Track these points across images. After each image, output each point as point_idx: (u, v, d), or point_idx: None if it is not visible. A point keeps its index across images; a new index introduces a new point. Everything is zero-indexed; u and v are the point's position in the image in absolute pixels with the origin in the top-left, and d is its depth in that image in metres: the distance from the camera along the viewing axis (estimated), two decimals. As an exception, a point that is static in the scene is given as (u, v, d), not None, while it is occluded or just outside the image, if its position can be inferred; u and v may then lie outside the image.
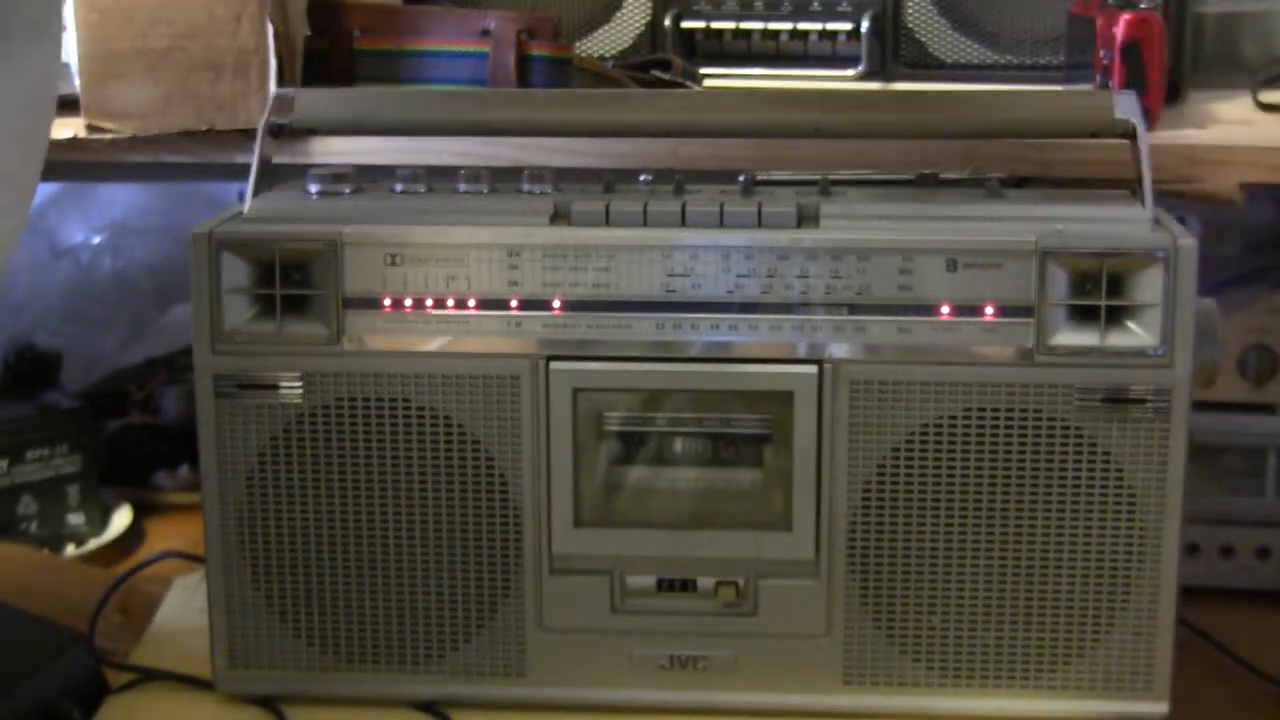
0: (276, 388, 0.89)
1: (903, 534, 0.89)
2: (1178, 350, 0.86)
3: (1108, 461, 0.87)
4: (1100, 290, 0.86)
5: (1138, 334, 0.86)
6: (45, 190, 1.56)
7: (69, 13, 1.14)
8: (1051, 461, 0.87)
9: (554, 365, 0.88)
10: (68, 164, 1.13)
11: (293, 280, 0.89)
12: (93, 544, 1.25)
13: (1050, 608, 0.89)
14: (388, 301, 0.89)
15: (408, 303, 0.89)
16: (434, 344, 0.89)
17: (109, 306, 1.59)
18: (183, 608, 1.05)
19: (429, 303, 0.89)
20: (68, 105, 1.18)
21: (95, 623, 1.00)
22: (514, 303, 0.88)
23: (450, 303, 0.88)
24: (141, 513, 1.30)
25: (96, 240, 1.60)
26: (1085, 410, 0.87)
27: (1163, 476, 0.88)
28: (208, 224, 0.89)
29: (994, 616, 0.89)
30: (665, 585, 0.91)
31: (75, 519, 1.26)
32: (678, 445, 0.90)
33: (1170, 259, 0.85)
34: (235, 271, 0.89)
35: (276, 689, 0.93)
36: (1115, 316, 0.87)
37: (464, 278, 0.88)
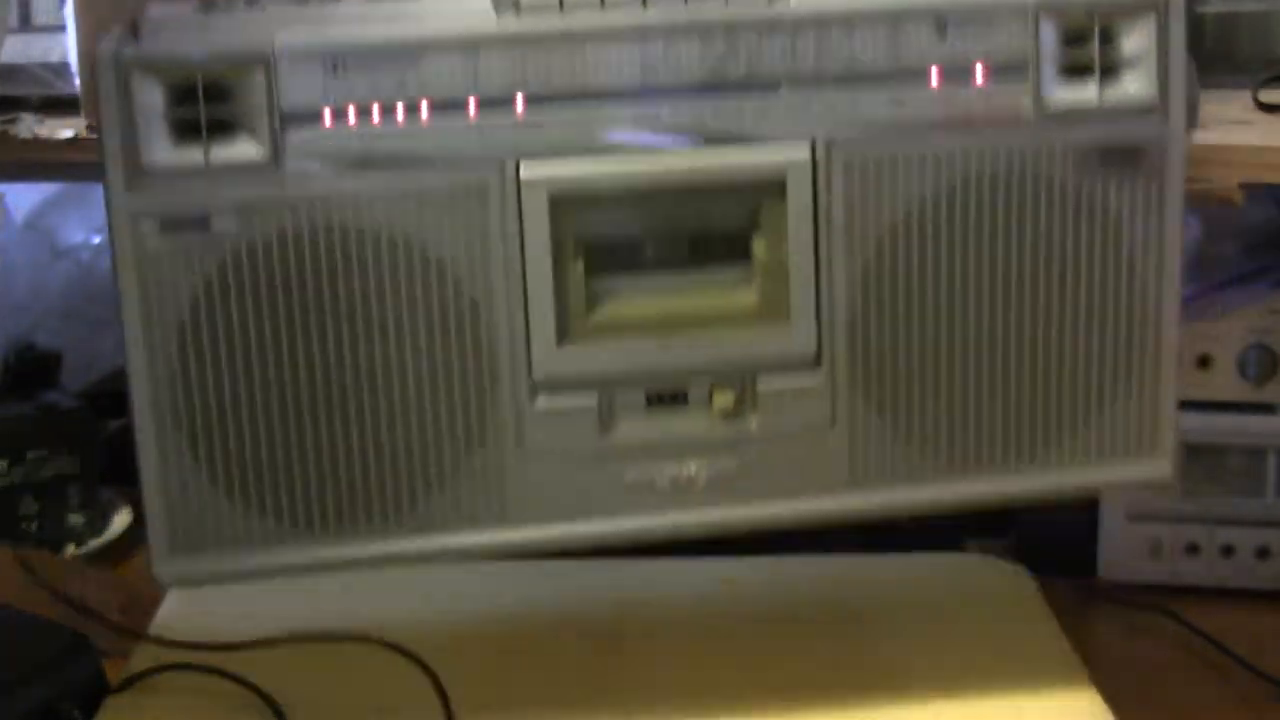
0: (208, 224, 0.79)
1: (904, 315, 0.85)
2: (1172, 102, 0.84)
3: (1106, 222, 0.85)
4: (1093, 43, 0.83)
5: (1131, 87, 0.84)
6: (45, 190, 1.56)
7: (69, 13, 1.14)
8: (1051, 226, 0.85)
9: (525, 170, 0.80)
10: (68, 164, 1.13)
11: (217, 100, 0.79)
12: (93, 544, 1.25)
13: (1055, 378, 0.86)
14: (330, 115, 0.79)
15: (352, 115, 0.79)
16: (386, 158, 0.80)
17: (109, 306, 1.59)
18: (183, 607, 1.05)
19: (376, 113, 0.79)
20: (68, 105, 1.18)
21: (94, 623, 1.00)
22: (472, 104, 0.80)
23: (401, 111, 0.80)
24: (141, 513, 1.30)
25: (96, 240, 1.60)
26: (1083, 169, 0.84)
27: (1160, 235, 0.86)
28: (107, 43, 0.79)
29: (999, 393, 0.86)
30: (657, 400, 0.85)
31: (75, 519, 1.26)
32: (664, 246, 0.85)
33: (1161, 6, 0.83)
34: (150, 95, 0.78)
35: (230, 568, 0.84)
36: (1109, 71, 0.84)
37: (415, 82, 0.80)
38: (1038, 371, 0.86)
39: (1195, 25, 1.25)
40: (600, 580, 1.09)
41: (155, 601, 1.06)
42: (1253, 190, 1.05)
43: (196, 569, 0.84)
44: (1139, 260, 0.86)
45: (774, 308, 0.84)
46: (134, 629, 1.03)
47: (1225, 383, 1.13)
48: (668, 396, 0.85)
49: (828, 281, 0.84)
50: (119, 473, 1.34)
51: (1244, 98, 1.19)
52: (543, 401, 0.84)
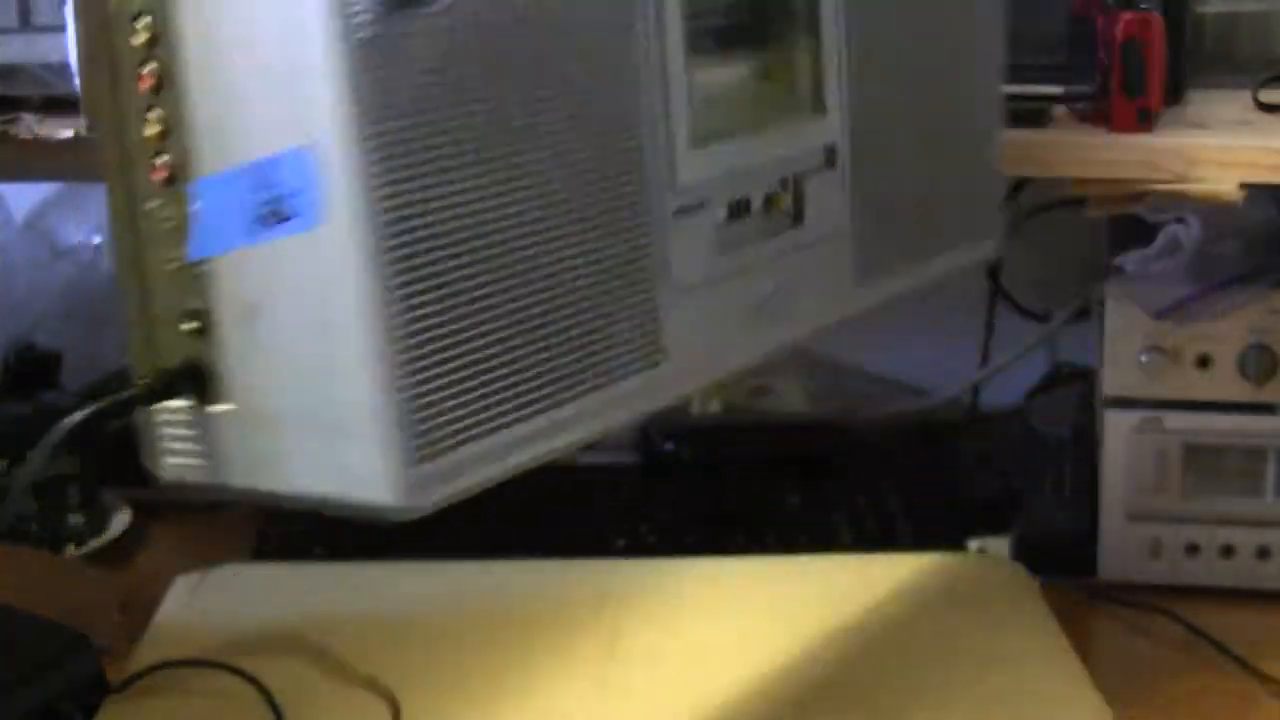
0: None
1: (878, 102, 0.85)
2: None
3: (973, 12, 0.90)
4: None
5: None
6: (45, 190, 1.56)
7: (69, 13, 1.14)
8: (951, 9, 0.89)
9: None
10: (68, 164, 1.13)
11: None
12: (93, 544, 1.25)
13: (952, 164, 0.91)
14: None
15: None
16: None
17: (109, 306, 1.59)
18: (183, 606, 1.05)
19: None
20: (68, 105, 1.18)
21: (94, 623, 1.00)
22: None
23: None
24: (141, 513, 1.30)
25: (96, 240, 1.60)
26: None
27: (995, 35, 0.92)
28: None
29: (926, 180, 0.89)
30: (733, 211, 0.78)
31: (75, 519, 1.26)
32: (741, 28, 0.79)
33: None
34: None
35: (478, 474, 0.65)
36: None
37: None
38: (945, 157, 0.90)
39: (1195, 25, 1.25)
40: (600, 580, 1.09)
41: (155, 601, 1.06)
42: (1253, 190, 1.05)
43: (446, 481, 0.64)
44: (983, 55, 0.91)
45: (816, 100, 0.82)
46: (134, 629, 1.03)
47: (1225, 383, 1.13)
48: (739, 206, 0.79)
49: (842, 69, 0.83)
50: (119, 473, 1.35)
51: (1244, 98, 1.19)
52: (680, 218, 0.75)
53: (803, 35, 0.82)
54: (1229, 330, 1.13)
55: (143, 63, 0.65)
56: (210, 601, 1.05)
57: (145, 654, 0.99)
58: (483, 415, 0.65)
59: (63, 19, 1.18)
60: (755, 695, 0.94)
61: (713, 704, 0.94)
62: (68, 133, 1.12)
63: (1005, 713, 0.92)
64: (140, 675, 0.96)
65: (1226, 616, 1.07)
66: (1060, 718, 0.92)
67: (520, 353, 0.67)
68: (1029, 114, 1.11)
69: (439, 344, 0.63)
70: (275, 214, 0.61)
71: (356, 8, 0.59)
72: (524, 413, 0.67)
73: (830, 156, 0.84)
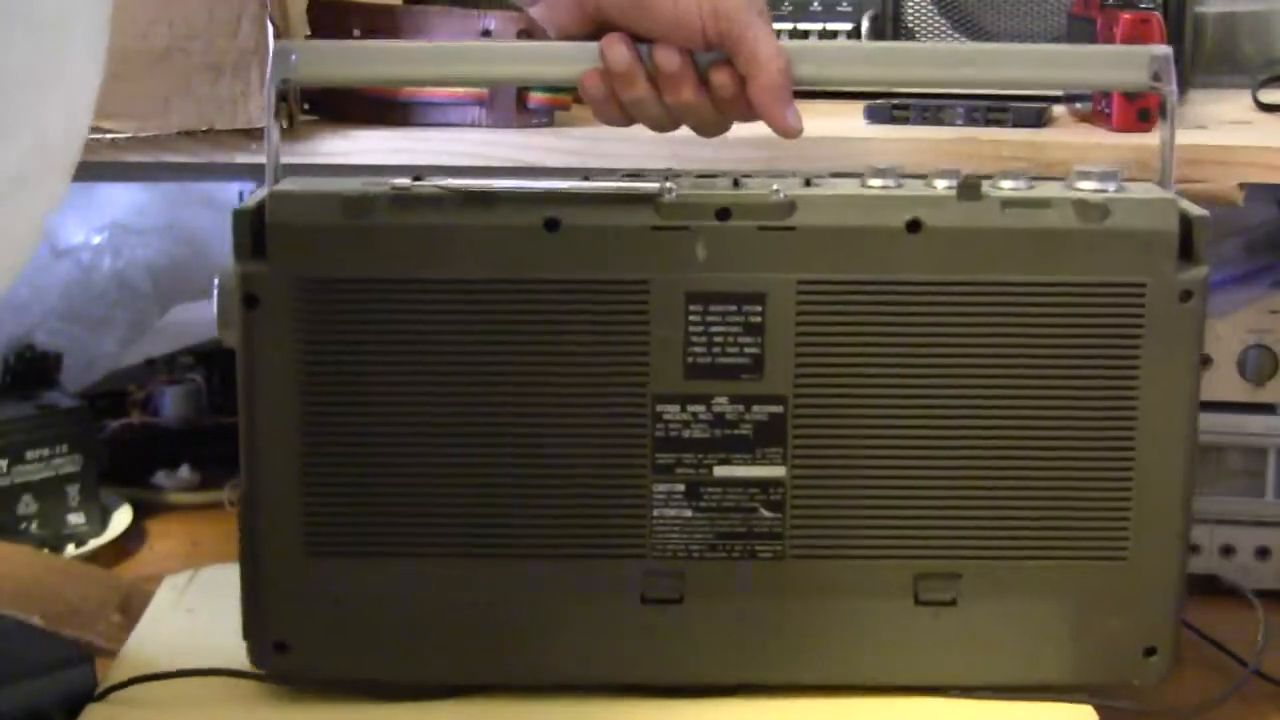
0: None
1: None
2: None
3: None
4: None
5: None
6: (45, 190, 1.56)
7: (69, 13, 1.14)
8: None
9: None
10: (67, 164, 1.13)
11: None
12: (93, 544, 1.24)
13: None
14: None
15: None
16: None
17: (109, 306, 1.60)
18: (170, 607, 1.04)
19: None
20: (68, 105, 1.18)
21: (93, 624, 1.00)
22: None
23: None
24: (141, 513, 1.30)
25: (96, 240, 1.60)
26: None
27: None
28: None
29: None
30: None
31: (75, 519, 1.26)
32: None
33: None
34: None
35: None
36: None
37: None
38: None
39: (1195, 25, 1.25)
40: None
41: (155, 602, 1.06)
42: (1253, 190, 1.05)
43: None
44: None
45: None
46: (133, 629, 1.03)
47: (1225, 383, 1.13)
48: None
49: None
50: (119, 473, 1.35)
51: (1244, 98, 1.19)
52: None
53: None
54: (1229, 330, 1.13)
55: None
56: (198, 602, 1.05)
57: (131, 656, 0.98)
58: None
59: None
60: (755, 695, 0.94)
61: (713, 704, 0.94)
62: (67, 133, 1.11)
63: (1004, 712, 0.92)
64: (119, 686, 0.94)
65: (1226, 616, 1.07)
66: (1061, 718, 0.92)
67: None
68: (1029, 114, 1.12)
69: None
70: None
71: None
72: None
73: None
